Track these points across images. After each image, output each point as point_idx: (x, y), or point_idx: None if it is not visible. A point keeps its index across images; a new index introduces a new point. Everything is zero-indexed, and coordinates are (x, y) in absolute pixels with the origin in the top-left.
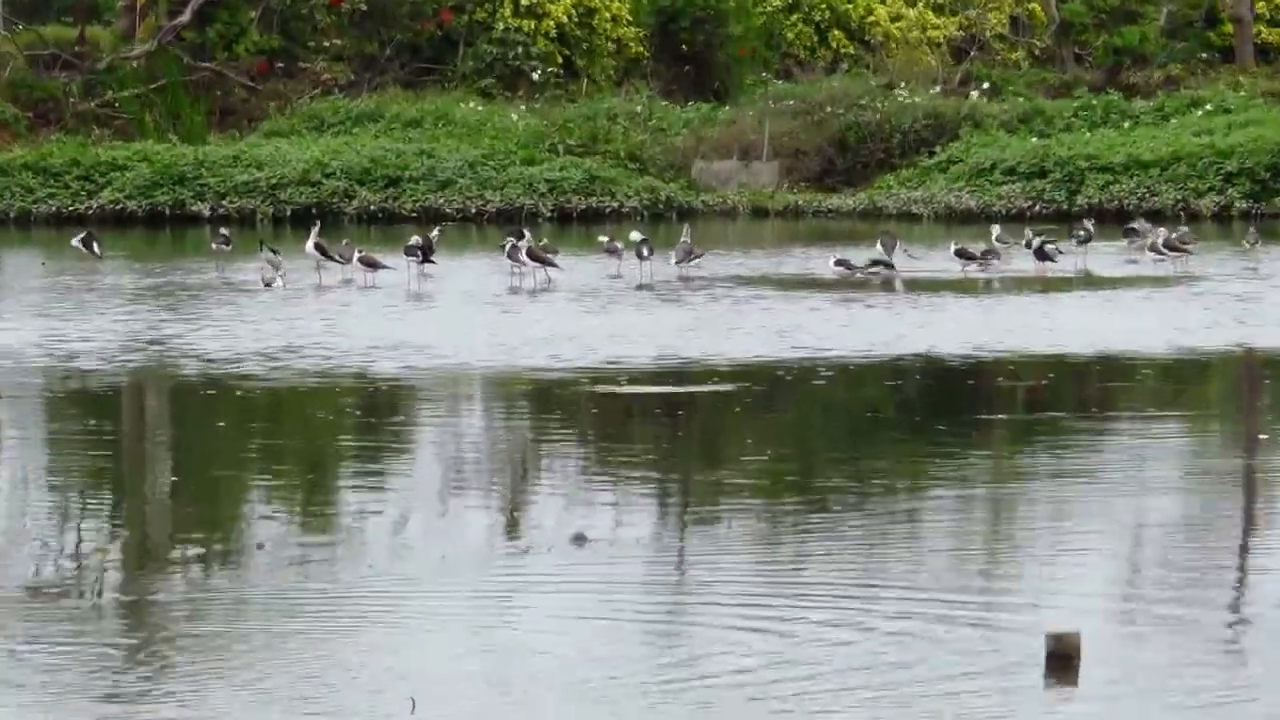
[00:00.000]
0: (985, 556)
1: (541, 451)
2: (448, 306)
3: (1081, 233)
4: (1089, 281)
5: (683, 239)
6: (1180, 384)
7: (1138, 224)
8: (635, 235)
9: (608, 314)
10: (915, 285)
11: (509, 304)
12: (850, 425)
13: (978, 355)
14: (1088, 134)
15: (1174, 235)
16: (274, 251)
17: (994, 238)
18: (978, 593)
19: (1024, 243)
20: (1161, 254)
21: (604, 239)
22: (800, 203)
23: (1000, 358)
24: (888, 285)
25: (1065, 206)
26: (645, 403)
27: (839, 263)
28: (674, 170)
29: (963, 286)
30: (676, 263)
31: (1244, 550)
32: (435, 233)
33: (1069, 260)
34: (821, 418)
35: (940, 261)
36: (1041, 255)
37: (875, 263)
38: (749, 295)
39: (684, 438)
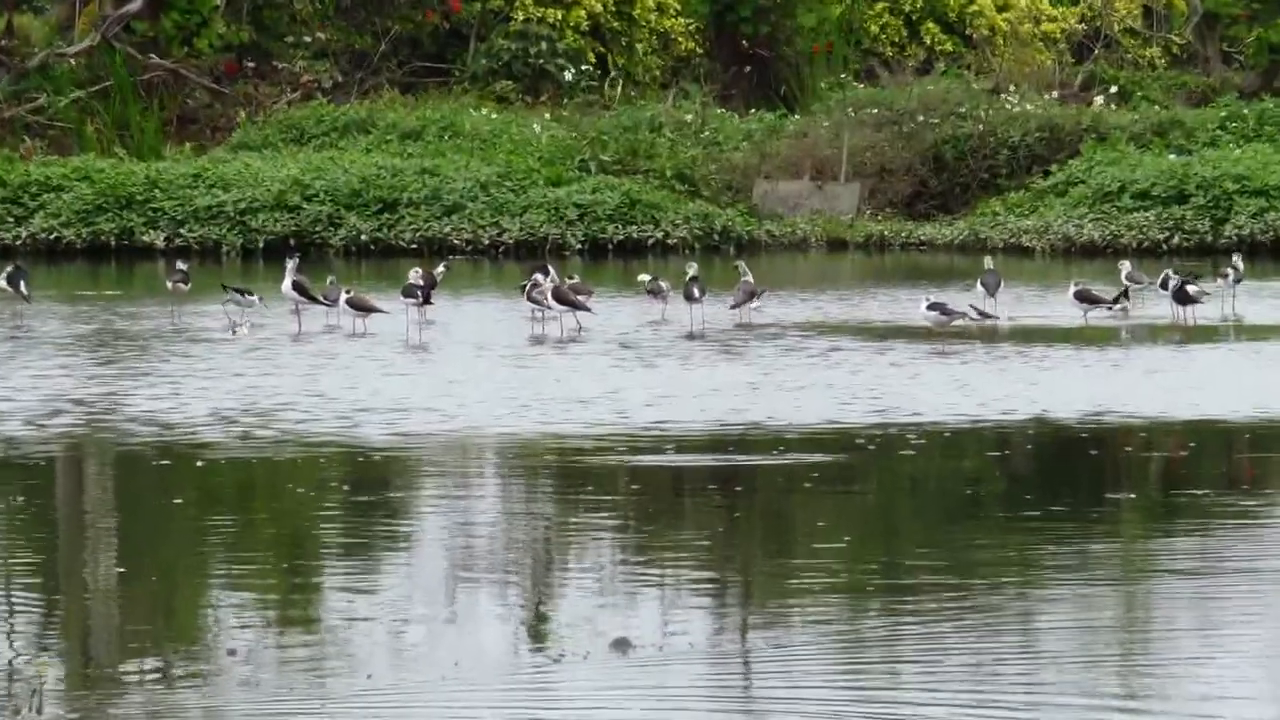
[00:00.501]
0: (1120, 663)
1: (570, 537)
2: (455, 359)
3: (1231, 272)
4: (1240, 330)
5: (743, 277)
6: None
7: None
8: (690, 269)
9: (651, 369)
10: (1027, 335)
11: (529, 356)
12: (946, 505)
13: (1102, 419)
14: (1237, 150)
15: None
16: (242, 292)
17: (1123, 276)
18: (1114, 711)
19: (1159, 283)
20: None
21: (646, 277)
22: (886, 233)
23: (1129, 423)
24: (992, 335)
25: (1210, 238)
26: (697, 477)
27: (933, 307)
28: (732, 193)
29: (1085, 336)
30: (734, 306)
31: None
32: (441, 269)
33: (1216, 304)
34: (910, 496)
35: (1058, 306)
36: (1182, 298)
37: (983, 314)
38: (823, 346)
39: (744, 520)
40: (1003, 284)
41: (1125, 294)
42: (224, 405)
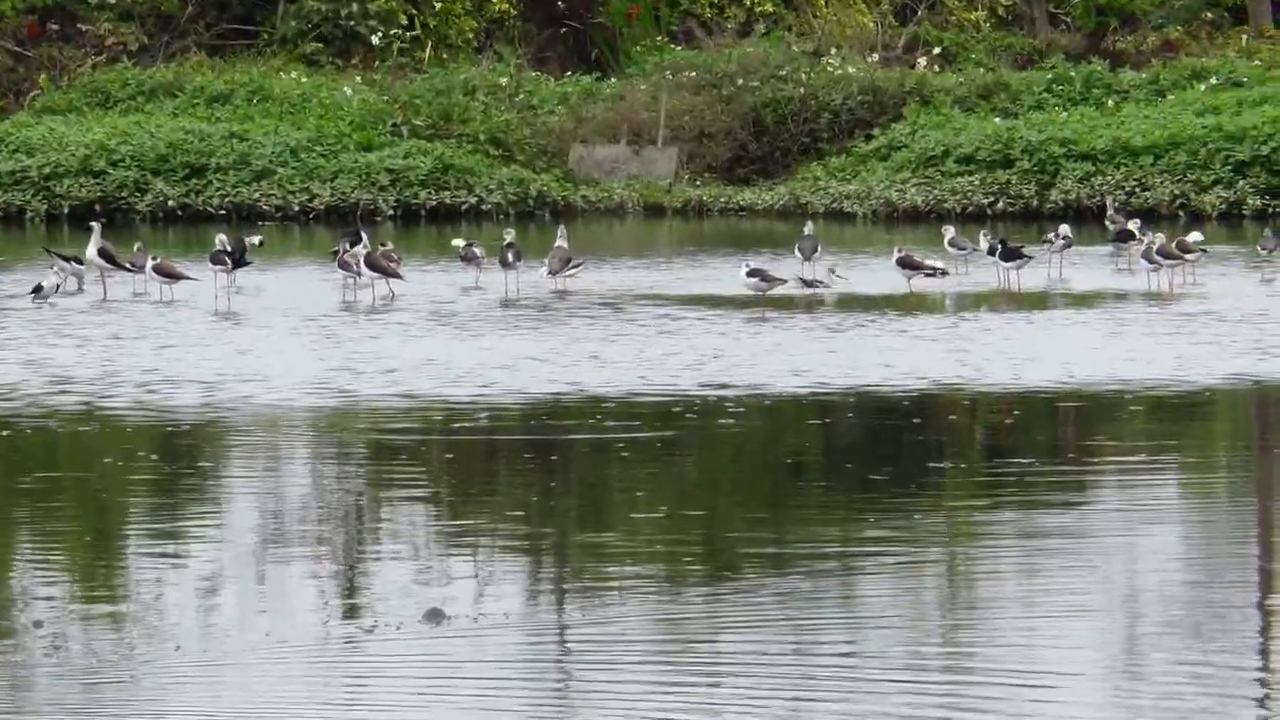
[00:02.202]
0: (946, 630)
1: (384, 509)
2: (265, 327)
3: (1059, 240)
4: (1068, 297)
5: (558, 243)
6: (1175, 424)
7: (1111, 212)
8: (507, 235)
9: (465, 337)
10: (851, 303)
11: (342, 324)
12: (767, 476)
13: (925, 388)
14: (1064, 113)
15: (1175, 240)
16: (67, 259)
17: (946, 242)
18: (942, 671)
19: (986, 248)
20: (1156, 262)
21: (460, 243)
22: (705, 198)
23: (953, 390)
24: (814, 303)
25: (1035, 203)
26: (512, 448)
27: (753, 273)
28: (547, 158)
29: (908, 304)
30: (551, 273)
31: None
32: (255, 239)
33: (1042, 271)
34: (730, 467)
35: (881, 273)
36: (1009, 255)
37: (808, 283)
38: (641, 314)
39: (560, 491)
40: (820, 250)
41: (950, 257)
42: (24, 376)
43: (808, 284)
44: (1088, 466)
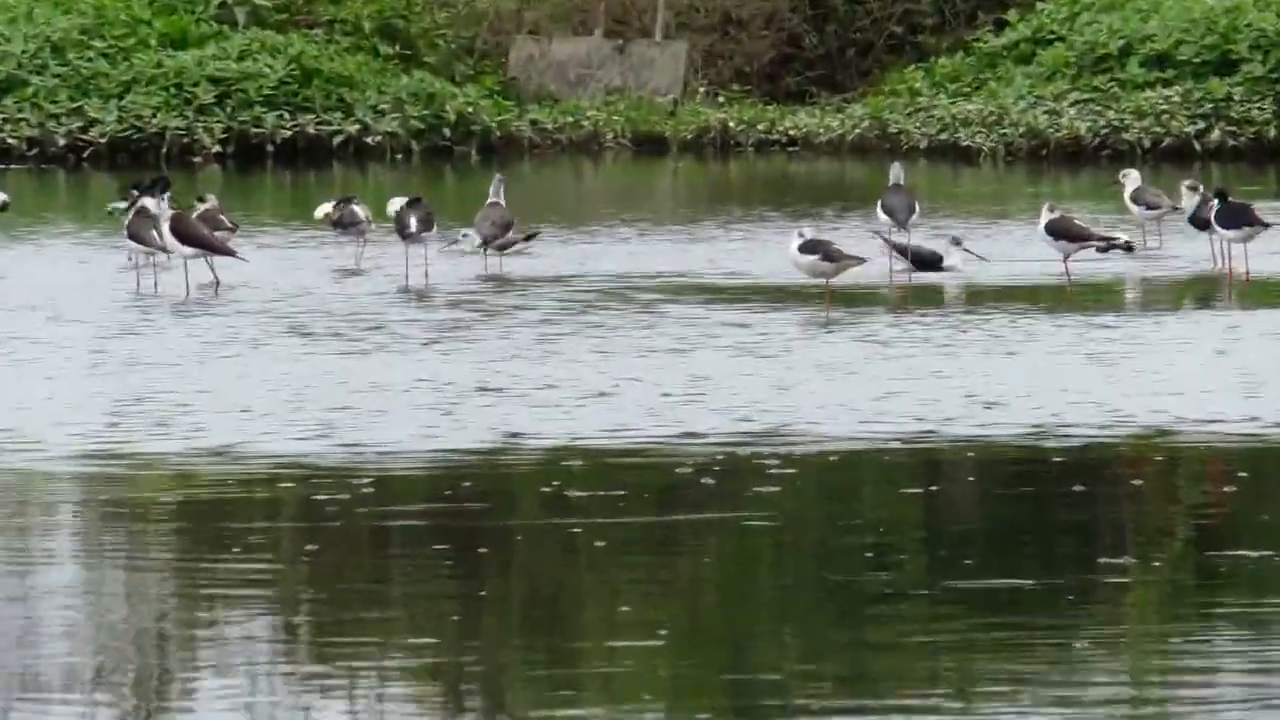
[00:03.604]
0: None
1: (198, 636)
2: (7, 335)
3: None
4: None
5: (492, 199)
6: None
7: None
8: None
9: (338, 352)
10: (970, 296)
11: (130, 334)
12: (827, 585)
13: (1096, 435)
14: None
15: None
16: None
17: (1127, 196)
18: None
19: (1193, 206)
20: None
21: (327, 208)
22: (733, 125)
23: (1144, 439)
24: (907, 297)
25: (1274, 134)
26: (413, 537)
27: (809, 247)
28: (474, 60)
29: (1067, 297)
30: (482, 245)
31: None
32: None
33: None
34: (770, 573)
35: (1023, 246)
36: (1233, 217)
37: (899, 250)
38: (629, 315)
39: (488, 607)
40: (918, 209)
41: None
42: None
43: (910, 257)
44: None
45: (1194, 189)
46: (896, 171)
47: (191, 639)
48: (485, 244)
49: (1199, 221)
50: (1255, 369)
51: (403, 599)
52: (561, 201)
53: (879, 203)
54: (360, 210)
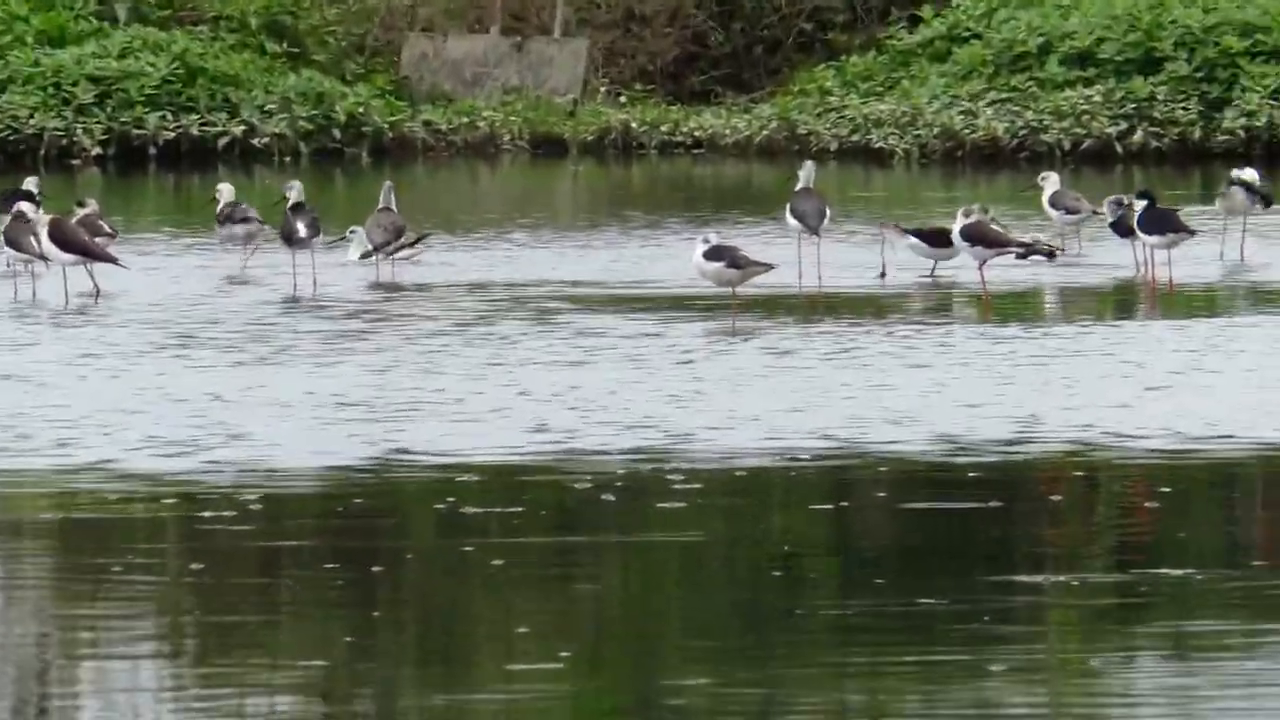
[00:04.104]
0: None
1: (59, 663)
2: None
3: (1238, 193)
4: (1256, 293)
5: (382, 204)
6: None
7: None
8: (290, 191)
9: (223, 364)
10: (878, 305)
11: (4, 349)
12: (741, 607)
13: (1001, 451)
14: None
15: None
16: None
17: (1045, 200)
18: None
19: (1113, 210)
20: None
21: (224, 190)
22: (636, 125)
23: (1055, 455)
24: (817, 305)
25: (1197, 135)
26: (303, 558)
27: (715, 254)
28: (365, 58)
29: (983, 306)
30: (371, 253)
31: None
32: None
33: (1209, 247)
34: (676, 593)
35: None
36: (1156, 223)
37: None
38: (526, 326)
39: (381, 633)
40: (829, 214)
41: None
42: None
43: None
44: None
45: (1116, 204)
46: (807, 173)
47: (71, 662)
48: (375, 251)
49: (1121, 228)
50: (1177, 380)
51: (292, 619)
52: (456, 206)
53: (788, 206)
54: (250, 209)
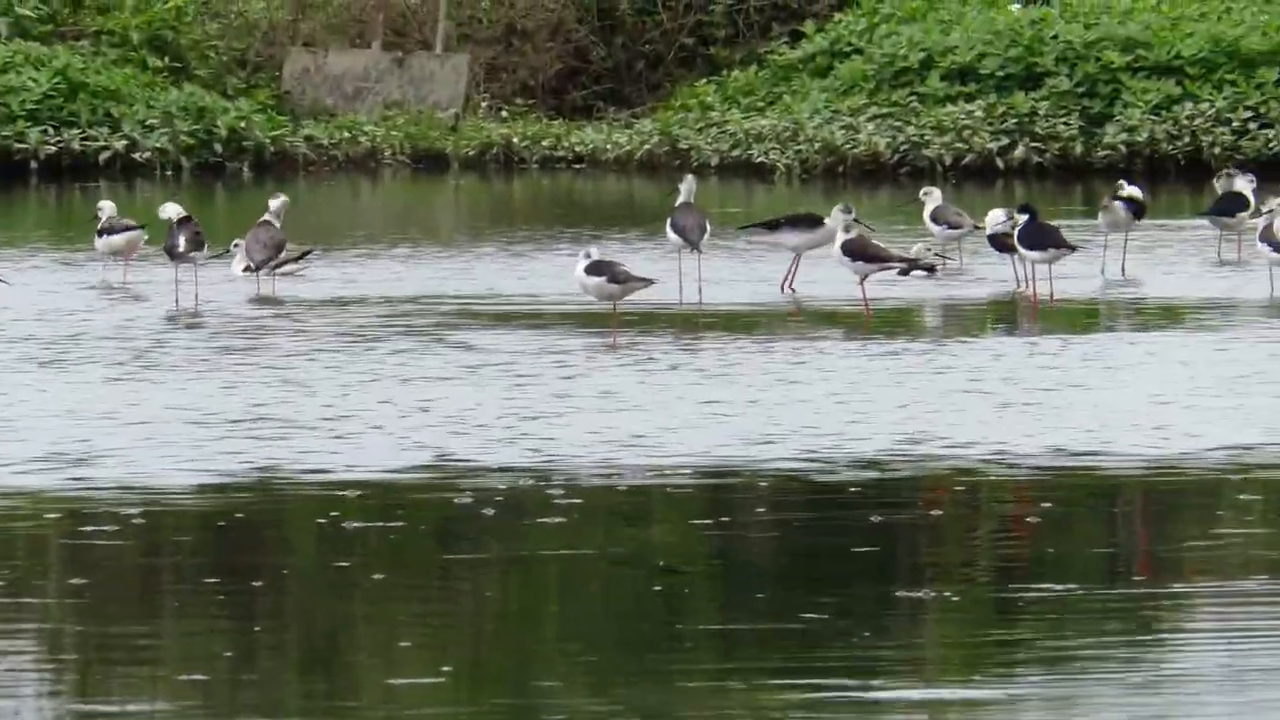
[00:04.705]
0: None
1: None
2: None
3: (1121, 209)
4: (1135, 309)
5: (266, 217)
6: None
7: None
8: (166, 210)
9: (101, 379)
10: (770, 321)
11: None
12: (622, 622)
13: (871, 459)
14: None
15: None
16: None
17: (927, 215)
18: None
19: (995, 225)
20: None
21: (106, 207)
22: (517, 141)
23: (908, 467)
24: (697, 321)
25: (1079, 149)
26: (182, 572)
27: (597, 268)
28: (247, 72)
29: (864, 323)
30: (252, 268)
31: None
32: None
33: (1090, 263)
34: (555, 604)
35: (820, 267)
36: (1037, 237)
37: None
38: (410, 341)
39: (260, 645)
40: (709, 228)
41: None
42: None
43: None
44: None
45: (1003, 220)
46: (688, 187)
47: None
48: (256, 268)
49: (999, 242)
50: (1056, 396)
51: (173, 636)
52: (338, 221)
53: (669, 221)
54: (129, 221)
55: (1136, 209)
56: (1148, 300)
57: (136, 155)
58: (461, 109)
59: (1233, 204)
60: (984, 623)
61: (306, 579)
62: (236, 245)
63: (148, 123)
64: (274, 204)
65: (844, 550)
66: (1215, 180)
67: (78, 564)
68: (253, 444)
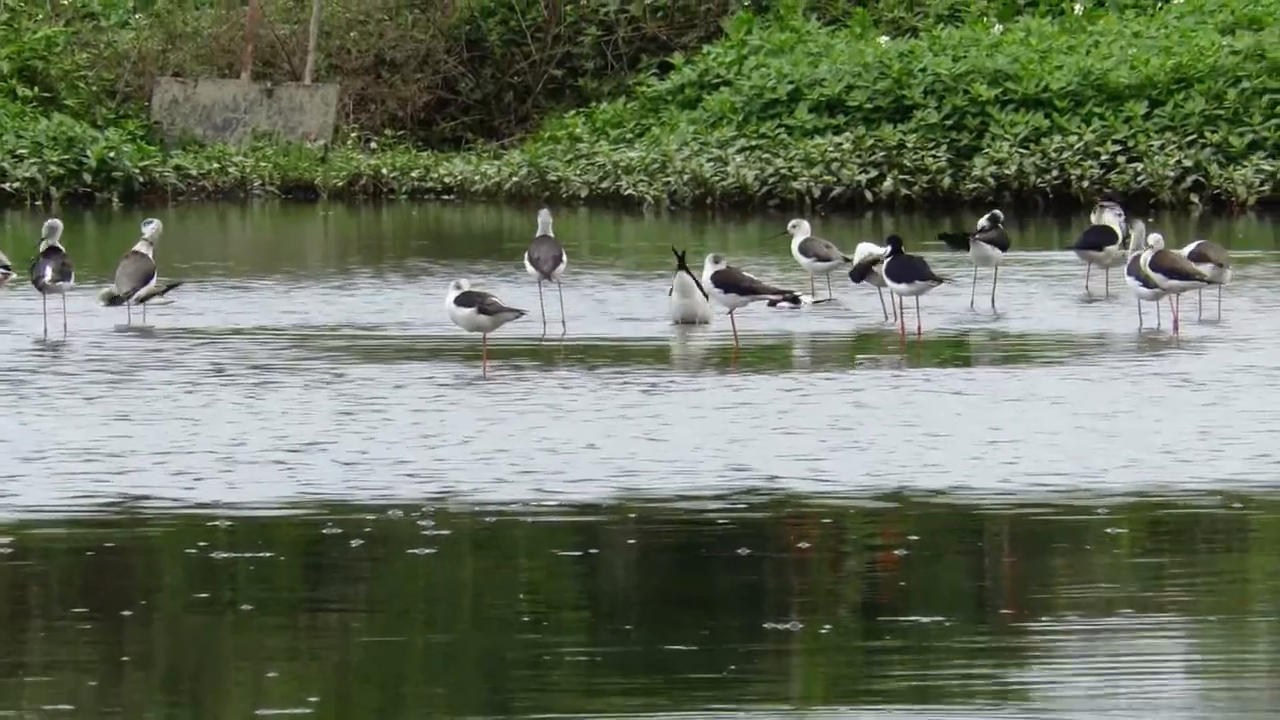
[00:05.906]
0: None
1: None
2: None
3: (986, 242)
4: (1001, 342)
5: (137, 246)
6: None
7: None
8: (46, 233)
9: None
10: (651, 352)
11: None
12: (502, 648)
13: (744, 497)
14: (996, 27)
15: (1196, 245)
16: None
17: (795, 247)
18: None
19: (862, 258)
20: (1153, 282)
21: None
22: (386, 172)
23: (792, 504)
24: (565, 353)
25: (947, 182)
26: (52, 602)
27: (466, 300)
28: (116, 102)
29: (733, 358)
30: (119, 298)
31: None
32: None
33: (957, 297)
34: (422, 634)
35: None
36: (903, 270)
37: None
38: (281, 374)
39: (130, 675)
40: (564, 260)
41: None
42: None
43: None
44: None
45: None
46: (544, 220)
47: None
48: (124, 298)
49: (859, 275)
50: (928, 427)
51: (40, 666)
52: (207, 251)
53: (526, 254)
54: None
55: (1001, 240)
56: (1014, 333)
57: (5, 185)
58: (330, 139)
59: (1100, 237)
60: (851, 652)
61: (175, 608)
62: (159, 293)
63: (17, 152)
64: (148, 229)
65: (712, 581)
66: (1092, 214)
67: None
68: (119, 476)
